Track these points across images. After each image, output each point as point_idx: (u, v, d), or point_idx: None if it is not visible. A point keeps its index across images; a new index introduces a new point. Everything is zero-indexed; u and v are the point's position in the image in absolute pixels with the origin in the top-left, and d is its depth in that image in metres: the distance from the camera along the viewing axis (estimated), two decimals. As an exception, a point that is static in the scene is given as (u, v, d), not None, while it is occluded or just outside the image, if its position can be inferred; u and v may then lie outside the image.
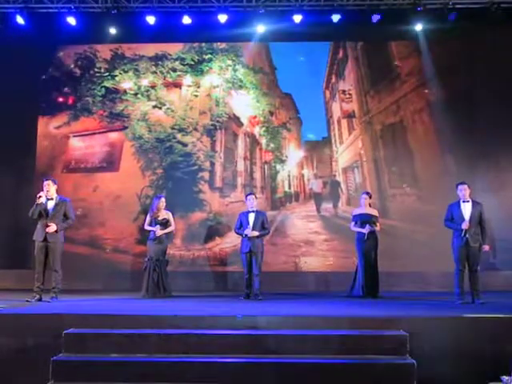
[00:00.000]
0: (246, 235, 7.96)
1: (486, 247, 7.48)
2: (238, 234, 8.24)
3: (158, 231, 8.23)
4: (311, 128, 10.46)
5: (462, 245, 7.26)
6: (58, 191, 7.57)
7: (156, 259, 8.18)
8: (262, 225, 8.05)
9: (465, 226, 7.22)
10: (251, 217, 8.03)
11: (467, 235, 7.22)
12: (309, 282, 9.69)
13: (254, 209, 8.11)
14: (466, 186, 7.41)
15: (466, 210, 7.32)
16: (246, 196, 8.41)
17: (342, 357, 5.25)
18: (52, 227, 7.28)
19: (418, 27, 9.81)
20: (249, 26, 9.95)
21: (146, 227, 8.45)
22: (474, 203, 7.38)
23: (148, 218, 8.46)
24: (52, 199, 7.40)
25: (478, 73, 9.75)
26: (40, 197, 7.26)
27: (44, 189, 7.38)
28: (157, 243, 8.26)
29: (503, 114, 9.55)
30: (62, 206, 7.43)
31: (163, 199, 8.44)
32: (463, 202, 7.37)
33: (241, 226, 8.10)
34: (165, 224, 8.34)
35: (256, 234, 7.92)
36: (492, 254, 9.24)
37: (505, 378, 4.61)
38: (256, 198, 8.28)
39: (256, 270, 7.86)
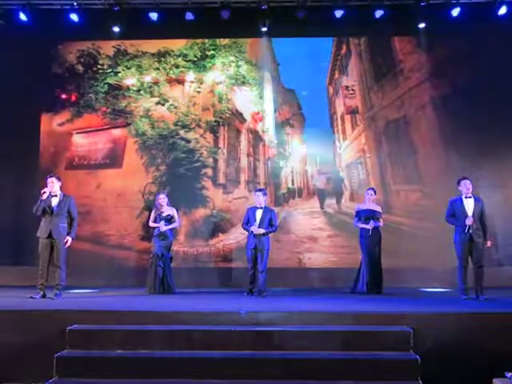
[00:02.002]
0: (252, 232, 7.95)
1: (489, 243, 7.45)
2: (244, 229, 8.16)
3: (163, 227, 8.23)
4: (314, 124, 10.44)
5: (465, 241, 7.24)
6: (61, 188, 7.59)
7: (161, 255, 8.18)
8: (270, 222, 7.99)
9: (469, 221, 7.19)
10: (258, 213, 7.95)
11: (470, 231, 7.21)
12: (312, 278, 9.69)
13: (262, 205, 8.04)
14: (468, 181, 7.38)
15: (469, 205, 7.30)
16: (255, 192, 8.32)
17: (346, 352, 5.26)
18: (69, 241, 7.38)
19: (422, 23, 9.77)
20: (252, 21, 9.92)
21: (151, 224, 8.45)
22: (476, 199, 7.37)
23: (152, 215, 8.45)
24: (56, 196, 7.40)
25: (482, 68, 9.71)
26: (44, 193, 7.29)
27: (48, 186, 7.39)
28: (161, 239, 8.26)
29: (507, 109, 9.53)
30: (65, 202, 7.44)
31: (161, 195, 8.42)
32: (465, 197, 7.35)
33: (248, 221, 8.03)
34: (169, 220, 8.34)
35: (262, 231, 7.86)
36: (494, 250, 9.22)
37: (509, 373, 4.60)
38: (265, 194, 8.13)
39: (261, 267, 7.80)
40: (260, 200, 8.02)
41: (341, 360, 5.14)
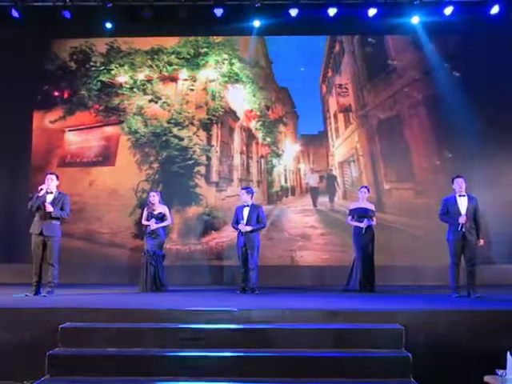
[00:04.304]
0: (240, 230, 7.95)
1: (482, 242, 7.48)
2: (233, 228, 8.22)
3: (153, 225, 8.21)
4: (308, 122, 10.45)
5: (458, 239, 7.27)
6: (57, 187, 7.59)
7: (152, 253, 8.17)
8: (258, 219, 8.01)
9: (463, 220, 7.22)
10: (245, 211, 7.98)
11: (463, 229, 7.24)
12: (305, 276, 9.68)
13: (249, 203, 8.06)
14: (462, 180, 7.42)
15: (463, 203, 7.33)
16: (240, 190, 8.39)
17: (339, 350, 5.27)
18: (48, 207, 7.27)
19: (415, 21, 9.79)
20: (245, 19, 9.90)
21: (143, 222, 8.45)
22: (470, 197, 7.40)
23: (145, 213, 8.45)
24: (51, 193, 7.44)
25: (475, 67, 9.73)
26: (41, 189, 7.30)
27: (46, 182, 7.43)
28: (153, 237, 8.24)
29: (499, 108, 9.56)
30: (60, 199, 7.47)
31: (153, 193, 8.42)
32: (459, 196, 7.39)
33: (237, 220, 8.06)
34: (161, 218, 8.32)
35: (248, 229, 7.87)
36: (487, 248, 9.24)
37: (500, 371, 4.62)
38: (249, 192, 8.10)
39: (251, 264, 7.83)
40: (245, 198, 8.06)
41: (333, 358, 5.15)
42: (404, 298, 7.25)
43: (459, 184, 7.40)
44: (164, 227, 8.43)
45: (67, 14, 9.70)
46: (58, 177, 7.60)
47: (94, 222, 10.13)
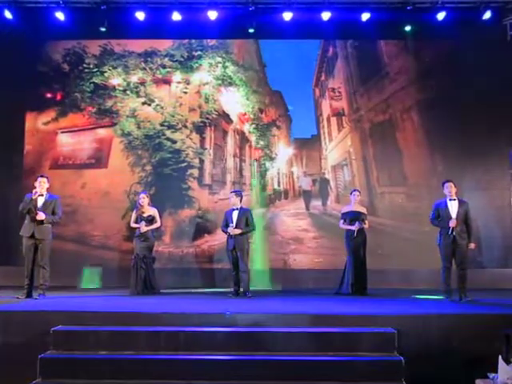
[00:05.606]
0: (229, 233, 7.96)
1: (472, 245, 7.51)
2: (223, 231, 8.20)
3: (143, 227, 8.18)
4: (301, 126, 10.47)
5: (448, 242, 7.31)
6: (47, 189, 7.57)
7: (142, 256, 8.13)
8: (246, 222, 8.01)
9: (453, 224, 7.26)
10: (235, 214, 7.98)
11: (454, 233, 7.28)
12: (298, 279, 9.69)
13: (238, 206, 8.06)
14: (452, 184, 7.47)
15: (453, 208, 7.37)
16: (229, 193, 8.42)
17: (331, 354, 5.28)
18: (40, 215, 7.26)
19: (408, 26, 9.84)
20: (239, 23, 9.92)
21: (132, 224, 8.39)
22: (461, 201, 7.45)
23: (133, 215, 8.38)
24: (42, 196, 7.40)
25: (466, 72, 9.80)
26: (36, 192, 7.28)
27: (38, 185, 7.39)
28: (143, 240, 8.20)
29: (490, 113, 9.60)
30: (51, 202, 7.45)
31: (142, 195, 8.36)
32: (450, 200, 7.43)
33: (227, 223, 8.07)
34: (150, 221, 8.26)
35: (238, 231, 7.87)
36: (477, 252, 9.29)
37: (492, 374, 4.64)
38: (238, 195, 8.11)
39: (242, 268, 7.85)
40: (233, 201, 8.08)
41: (325, 361, 5.16)
42: (396, 301, 7.27)
43: (448, 188, 7.46)
44: (153, 230, 8.40)
45: (61, 16, 9.68)
46: (48, 179, 7.58)
47: (86, 225, 10.09)
